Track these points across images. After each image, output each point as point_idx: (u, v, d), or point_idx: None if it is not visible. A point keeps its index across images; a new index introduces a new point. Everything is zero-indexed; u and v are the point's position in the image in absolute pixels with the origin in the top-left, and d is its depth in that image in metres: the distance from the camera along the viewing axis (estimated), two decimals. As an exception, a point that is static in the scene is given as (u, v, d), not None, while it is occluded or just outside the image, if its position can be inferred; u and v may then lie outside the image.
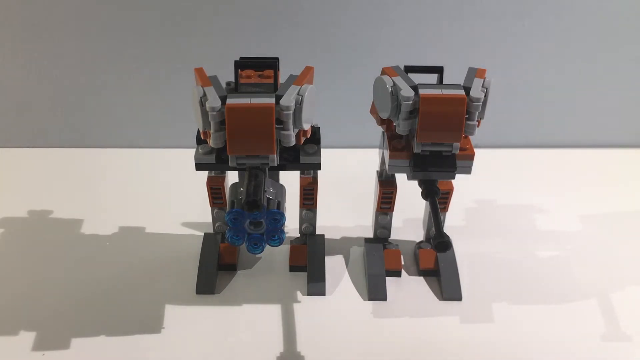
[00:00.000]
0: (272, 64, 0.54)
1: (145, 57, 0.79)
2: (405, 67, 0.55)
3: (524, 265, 0.66)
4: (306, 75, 0.53)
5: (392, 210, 0.64)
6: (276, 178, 0.61)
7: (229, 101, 0.49)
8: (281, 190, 0.55)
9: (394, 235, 0.67)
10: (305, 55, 0.78)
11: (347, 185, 0.76)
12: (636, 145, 0.87)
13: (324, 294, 0.62)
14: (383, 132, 0.58)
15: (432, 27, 0.77)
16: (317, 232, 0.67)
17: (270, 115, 0.49)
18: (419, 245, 0.67)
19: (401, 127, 0.53)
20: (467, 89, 0.52)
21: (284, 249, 0.65)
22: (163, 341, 0.57)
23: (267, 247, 0.54)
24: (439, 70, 0.55)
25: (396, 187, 0.62)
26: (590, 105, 0.84)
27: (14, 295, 0.61)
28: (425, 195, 0.55)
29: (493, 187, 0.78)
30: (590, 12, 0.77)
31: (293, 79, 0.52)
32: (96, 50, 0.78)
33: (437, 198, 0.54)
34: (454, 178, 0.56)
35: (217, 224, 0.66)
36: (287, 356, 0.56)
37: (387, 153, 0.57)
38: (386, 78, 0.53)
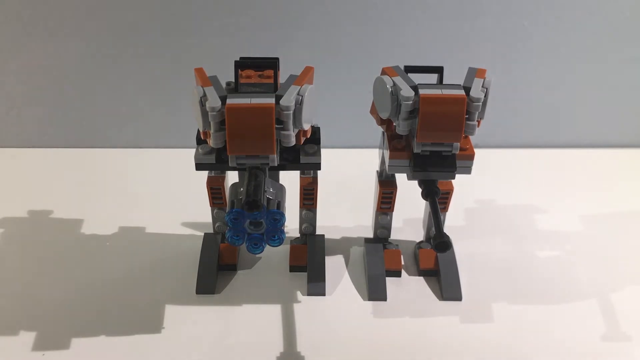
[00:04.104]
0: (272, 64, 0.54)
1: (145, 57, 0.79)
2: (405, 67, 0.55)
3: (524, 265, 0.66)
4: (306, 75, 0.53)
5: (392, 210, 0.64)
6: (276, 178, 0.61)
7: (229, 101, 0.49)
8: (281, 190, 0.55)
9: (394, 235, 0.67)
10: (305, 55, 0.78)
11: (347, 185, 0.76)
12: (636, 145, 0.87)
13: (324, 294, 0.62)
14: (383, 132, 0.58)
15: (432, 27, 0.77)
16: (317, 232, 0.67)
17: (270, 115, 0.49)
18: (419, 245, 0.67)
19: (401, 127, 0.53)
20: (467, 89, 0.52)
21: (284, 249, 0.65)
22: (163, 341, 0.57)
23: (267, 247, 0.54)
24: (439, 70, 0.55)
25: (396, 187, 0.62)
26: (590, 105, 0.84)
27: (14, 295, 0.61)
28: (425, 195, 0.55)
29: (493, 187, 0.78)
30: (591, 12, 0.77)
31: (293, 79, 0.52)
32: (96, 50, 0.78)
33: (437, 198, 0.54)
34: (454, 178, 0.56)
35: (217, 224, 0.66)
36: (287, 356, 0.56)
37: (387, 153, 0.57)
38: (386, 78, 0.53)
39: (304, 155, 0.56)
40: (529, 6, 0.76)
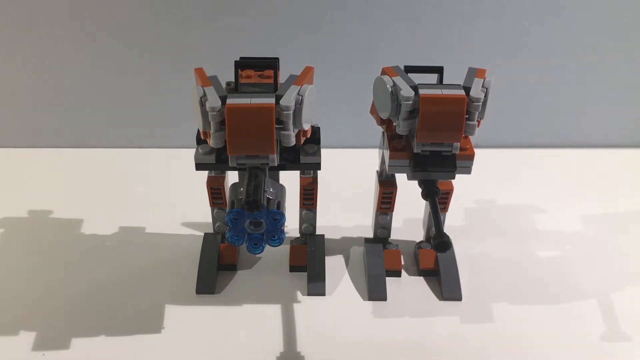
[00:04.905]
0: (272, 64, 0.54)
1: (145, 56, 0.79)
2: (405, 67, 0.55)
3: (524, 265, 0.66)
4: (306, 75, 0.53)
5: (392, 210, 0.64)
6: (276, 178, 0.61)
7: (229, 101, 0.49)
8: (281, 190, 0.55)
9: (394, 235, 0.67)
10: (305, 55, 0.78)
11: (347, 185, 0.76)
12: (636, 145, 0.87)
13: (324, 294, 0.62)
14: (383, 132, 0.58)
15: (432, 27, 0.77)
16: (317, 232, 0.67)
17: (270, 115, 0.49)
18: (419, 245, 0.67)
19: (401, 127, 0.53)
20: (467, 89, 0.52)
21: (284, 249, 0.65)
22: (163, 341, 0.57)
23: (267, 247, 0.54)
24: (439, 70, 0.55)
25: (396, 187, 0.62)
26: (590, 105, 0.84)
27: (14, 295, 0.61)
28: (425, 195, 0.55)
29: (493, 187, 0.78)
30: (591, 12, 0.77)
31: (293, 79, 0.52)
32: (96, 50, 0.78)
33: (437, 198, 0.54)
34: (454, 178, 0.56)
35: (217, 224, 0.66)
36: (287, 356, 0.56)
37: (387, 153, 0.57)
38: (386, 78, 0.53)
39: (304, 155, 0.56)
40: (529, 6, 0.76)
